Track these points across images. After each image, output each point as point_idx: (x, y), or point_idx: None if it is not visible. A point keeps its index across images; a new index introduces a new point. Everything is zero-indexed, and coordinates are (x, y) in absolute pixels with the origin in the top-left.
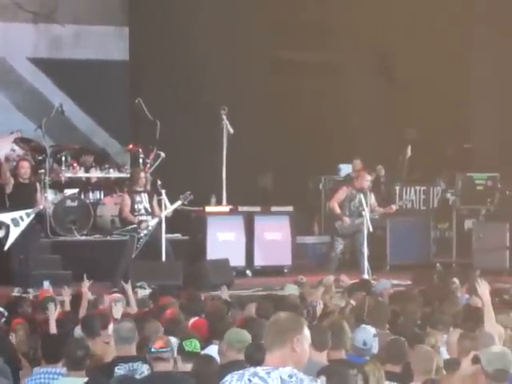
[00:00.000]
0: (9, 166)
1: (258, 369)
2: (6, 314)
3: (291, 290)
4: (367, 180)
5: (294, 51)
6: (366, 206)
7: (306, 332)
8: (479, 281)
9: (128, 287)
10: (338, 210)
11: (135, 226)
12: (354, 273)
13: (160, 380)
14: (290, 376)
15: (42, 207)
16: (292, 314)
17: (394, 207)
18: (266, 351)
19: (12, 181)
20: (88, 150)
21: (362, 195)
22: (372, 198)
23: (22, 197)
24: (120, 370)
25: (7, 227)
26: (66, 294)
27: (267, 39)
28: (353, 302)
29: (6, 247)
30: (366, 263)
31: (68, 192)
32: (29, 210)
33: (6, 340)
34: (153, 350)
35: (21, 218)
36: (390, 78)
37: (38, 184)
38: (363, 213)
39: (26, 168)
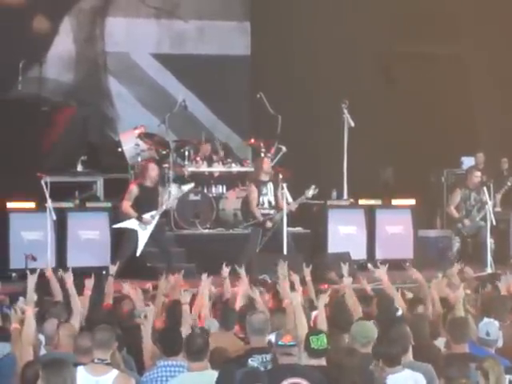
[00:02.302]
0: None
1: None
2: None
3: None
4: (476, 176)
5: (415, 43)
6: (490, 199)
7: None
8: None
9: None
10: (456, 214)
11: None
12: (477, 267)
13: (285, 373)
14: None
15: (164, 207)
16: None
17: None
18: None
19: (137, 188)
20: (206, 140)
21: (475, 192)
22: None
23: (148, 200)
24: (253, 362)
25: (136, 233)
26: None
27: (388, 31)
28: (470, 293)
29: (138, 253)
30: (490, 257)
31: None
32: (153, 212)
33: (136, 331)
34: (280, 343)
35: None
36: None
37: (159, 187)
38: (486, 207)
39: (156, 170)
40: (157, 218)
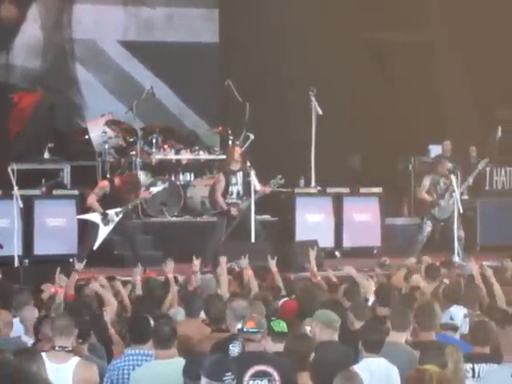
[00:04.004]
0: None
1: None
2: None
3: None
4: (446, 164)
5: (383, 31)
6: (457, 187)
7: None
8: None
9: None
10: (429, 198)
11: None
12: (444, 254)
13: (252, 360)
14: None
15: (130, 206)
16: None
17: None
18: None
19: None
20: (175, 135)
21: (444, 178)
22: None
23: (115, 200)
24: (234, 348)
25: (97, 226)
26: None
27: (356, 19)
28: (446, 281)
29: (95, 247)
30: (457, 244)
31: None
32: (118, 209)
33: (101, 318)
34: (244, 330)
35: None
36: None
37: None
38: (453, 194)
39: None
40: (121, 215)
